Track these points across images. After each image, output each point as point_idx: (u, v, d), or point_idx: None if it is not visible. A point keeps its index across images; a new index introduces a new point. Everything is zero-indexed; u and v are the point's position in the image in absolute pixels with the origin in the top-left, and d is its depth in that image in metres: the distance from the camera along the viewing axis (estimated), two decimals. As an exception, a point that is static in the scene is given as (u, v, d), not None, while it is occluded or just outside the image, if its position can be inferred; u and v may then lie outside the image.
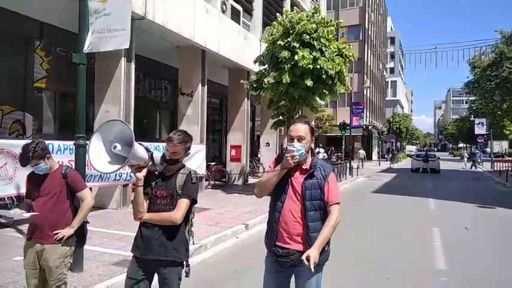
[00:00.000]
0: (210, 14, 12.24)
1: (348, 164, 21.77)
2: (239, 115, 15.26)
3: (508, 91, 26.41)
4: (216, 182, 14.35)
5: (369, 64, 46.32)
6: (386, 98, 67.86)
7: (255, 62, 13.01)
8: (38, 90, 9.38)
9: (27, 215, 3.09)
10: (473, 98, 42.22)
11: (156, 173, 2.79)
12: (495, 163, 30.78)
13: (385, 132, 50.48)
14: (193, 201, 2.76)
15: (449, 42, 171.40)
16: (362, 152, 34.05)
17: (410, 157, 41.86)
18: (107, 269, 4.94)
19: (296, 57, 10.82)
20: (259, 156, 19.11)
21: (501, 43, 26.06)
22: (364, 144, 41.04)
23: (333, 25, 11.92)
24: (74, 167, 4.78)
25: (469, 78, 31.63)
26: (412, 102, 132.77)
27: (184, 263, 2.80)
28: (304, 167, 2.66)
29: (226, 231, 7.33)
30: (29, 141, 3.24)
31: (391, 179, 21.89)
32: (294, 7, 17.14)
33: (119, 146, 2.59)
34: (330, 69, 11.14)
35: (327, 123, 35.33)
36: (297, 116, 13.76)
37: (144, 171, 2.69)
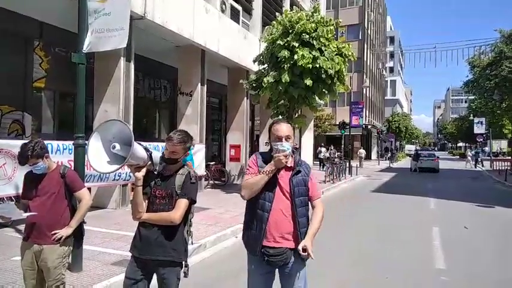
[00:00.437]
0: (210, 14, 12.23)
1: (348, 163, 21.77)
2: (238, 115, 15.25)
3: (507, 90, 26.42)
4: (216, 182, 14.34)
5: (368, 63, 46.31)
6: (386, 98, 67.87)
7: (254, 61, 13.01)
8: (37, 90, 9.36)
9: (26, 214, 3.08)
10: (473, 97, 42.29)
11: (155, 172, 2.79)
12: (494, 162, 30.80)
13: (385, 132, 50.49)
14: (192, 201, 2.76)
15: (448, 42, 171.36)
16: (363, 152, 34.05)
17: (410, 156, 41.88)
18: (106, 268, 4.94)
19: (295, 57, 10.82)
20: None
21: (500, 42, 26.07)
22: (363, 143, 41.04)
23: (333, 24, 11.92)
24: (73, 167, 4.79)
25: (469, 78, 31.69)
26: (411, 101, 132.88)
27: (183, 263, 2.80)
28: (288, 165, 2.69)
29: (226, 231, 7.33)
30: (28, 140, 3.23)
31: (391, 179, 21.89)
32: (294, 6, 17.17)
33: (118, 146, 2.58)
34: (329, 68, 11.14)
35: (326, 123, 35.36)
36: (297, 115, 13.80)
37: (143, 171, 2.68)
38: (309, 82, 11.05)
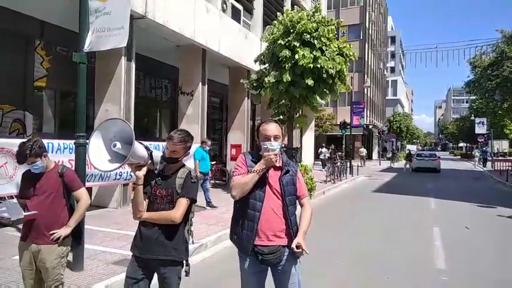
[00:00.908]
0: (211, 13, 12.23)
1: (348, 163, 21.76)
2: (239, 114, 15.25)
3: (508, 90, 26.38)
4: (217, 181, 14.33)
5: (369, 63, 46.28)
6: (387, 97, 67.83)
7: (255, 61, 13.00)
8: (38, 89, 9.37)
9: (26, 214, 3.06)
10: (474, 98, 42.22)
11: (156, 172, 2.79)
12: (495, 162, 30.76)
13: (386, 132, 50.44)
14: (193, 201, 2.76)
15: (450, 42, 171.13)
16: (364, 150, 34.01)
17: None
18: (107, 268, 4.94)
19: (296, 57, 10.81)
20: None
21: (502, 42, 26.02)
22: (364, 143, 41.02)
23: (334, 24, 11.91)
24: (74, 166, 4.79)
25: (470, 78, 31.64)
26: (412, 101, 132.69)
27: (184, 262, 2.80)
28: (277, 165, 2.72)
29: (227, 231, 7.25)
30: (26, 139, 3.22)
31: (392, 179, 21.88)
32: (295, 6, 17.15)
33: (118, 145, 2.58)
34: (330, 68, 11.13)
35: (327, 123, 35.32)
36: (297, 115, 13.79)
37: (144, 170, 2.68)
38: (310, 82, 11.04)
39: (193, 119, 12.18)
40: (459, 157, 65.99)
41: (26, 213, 3.06)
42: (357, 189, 16.63)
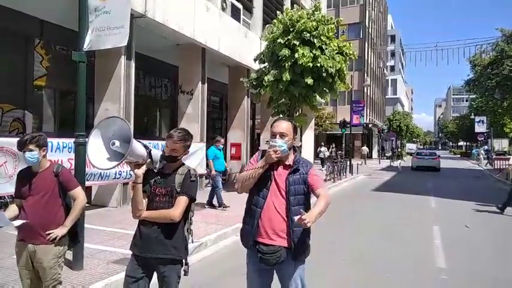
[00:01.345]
0: (210, 12, 12.21)
1: (348, 162, 21.76)
2: (239, 113, 15.24)
3: (508, 89, 26.37)
4: (216, 180, 14.31)
5: (369, 62, 46.27)
6: (387, 96, 67.82)
7: (255, 60, 12.99)
8: (38, 88, 9.36)
9: (17, 223, 3.01)
10: (474, 96, 42.20)
11: (155, 170, 2.78)
12: (495, 161, 30.74)
13: (385, 131, 50.44)
14: (192, 199, 2.76)
15: (450, 40, 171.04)
16: (366, 149, 34.01)
17: (411, 155, 41.85)
18: (106, 267, 4.94)
19: (296, 55, 10.79)
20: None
21: (502, 41, 26.01)
22: (364, 142, 41.03)
23: (333, 23, 11.89)
24: (74, 165, 4.79)
25: (470, 76, 31.64)
26: (412, 100, 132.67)
27: (184, 261, 2.80)
28: (287, 163, 2.70)
29: (227, 229, 7.33)
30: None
31: (391, 177, 21.88)
32: (294, 5, 17.13)
33: (117, 143, 2.58)
34: (330, 67, 11.11)
35: (327, 122, 35.31)
36: (297, 114, 13.78)
37: (143, 169, 2.68)
38: (309, 81, 11.03)
39: (193, 118, 12.18)
40: (459, 156, 65.99)
41: (16, 223, 3.01)
42: (357, 188, 16.64)
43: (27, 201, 3.08)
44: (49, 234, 3.04)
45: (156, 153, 2.79)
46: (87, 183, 5.63)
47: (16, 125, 8.78)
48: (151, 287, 2.84)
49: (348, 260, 5.84)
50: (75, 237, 3.33)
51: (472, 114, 47.71)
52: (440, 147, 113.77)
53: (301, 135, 21.15)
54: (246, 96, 15.11)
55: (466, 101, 80.00)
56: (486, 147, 41.71)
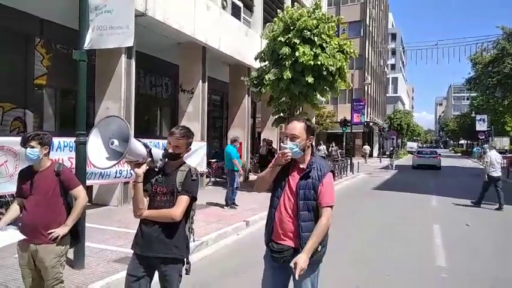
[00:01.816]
0: (211, 11, 12.20)
1: (349, 161, 21.75)
2: (240, 112, 15.25)
3: (509, 87, 26.35)
4: (217, 179, 14.34)
5: (369, 60, 46.20)
6: (388, 95, 67.73)
7: (255, 58, 12.98)
8: (38, 87, 9.37)
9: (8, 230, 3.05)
10: (475, 95, 42.15)
11: (156, 169, 2.78)
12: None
13: (386, 129, 50.41)
14: (193, 198, 2.76)
15: (450, 39, 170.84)
16: (368, 148, 33.95)
17: (411, 154, 41.83)
18: (107, 266, 4.95)
19: (297, 54, 10.78)
20: (260, 153, 19.08)
21: (503, 39, 25.98)
22: (365, 141, 41.01)
23: (334, 21, 11.87)
24: (74, 164, 4.79)
25: (471, 75, 31.65)
26: (413, 98, 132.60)
27: (185, 260, 2.80)
28: (301, 166, 2.67)
29: (227, 228, 7.33)
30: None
31: (392, 176, 21.88)
32: (295, 3, 17.11)
33: (116, 142, 2.58)
34: (330, 65, 11.10)
35: (327, 120, 35.30)
36: (298, 112, 13.77)
37: (144, 168, 2.67)
38: (310, 79, 11.02)
39: (194, 116, 12.18)
40: (459, 154, 65.91)
41: (8, 229, 3.05)
42: (358, 186, 16.63)
43: (29, 201, 3.08)
44: (51, 233, 3.04)
45: (157, 152, 2.78)
46: (88, 182, 5.63)
47: (17, 124, 8.79)
48: (153, 286, 2.84)
49: (349, 259, 5.84)
50: (76, 236, 3.33)
51: (473, 112, 47.69)
52: (443, 146, 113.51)
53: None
54: (246, 95, 15.11)
55: (467, 99, 79.82)
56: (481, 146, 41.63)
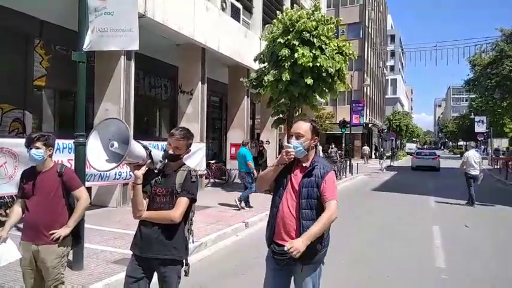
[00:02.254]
0: (210, 12, 12.21)
1: (348, 162, 21.76)
2: (239, 113, 15.25)
3: (508, 89, 26.40)
4: (216, 180, 14.34)
5: (369, 62, 46.25)
6: (387, 96, 67.81)
7: (255, 60, 13.00)
8: (37, 88, 9.36)
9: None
10: (474, 96, 42.24)
11: (156, 171, 2.78)
12: (495, 161, 30.77)
13: (385, 130, 50.45)
14: (193, 200, 2.76)
15: (449, 40, 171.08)
16: (367, 148, 33.89)
17: (410, 155, 41.85)
18: (106, 267, 4.94)
19: (296, 55, 10.80)
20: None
21: (501, 41, 26.03)
22: (364, 142, 41.02)
23: (333, 23, 11.90)
24: (73, 166, 4.79)
25: (469, 76, 31.70)
26: (412, 100, 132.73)
27: (184, 261, 2.80)
28: (304, 165, 2.68)
29: (226, 229, 7.33)
30: None
31: (391, 177, 21.88)
32: (294, 5, 17.14)
33: (116, 144, 2.58)
34: (329, 67, 11.12)
35: (326, 121, 35.31)
36: (297, 114, 13.79)
37: (143, 170, 2.68)
38: (309, 81, 11.03)
39: (193, 117, 12.18)
40: (459, 155, 65.95)
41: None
42: (357, 188, 16.64)
43: (31, 201, 3.09)
44: (53, 234, 3.06)
45: (157, 154, 2.78)
46: (87, 184, 5.62)
47: (16, 125, 8.78)
48: (152, 287, 2.84)
49: (348, 259, 5.84)
50: (78, 237, 3.35)
51: (472, 114, 47.75)
52: (442, 147, 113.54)
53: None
54: (245, 96, 15.12)
55: (466, 100, 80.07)
56: (496, 147, 41.61)
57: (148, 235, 2.71)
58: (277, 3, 17.60)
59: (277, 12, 12.70)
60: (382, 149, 36.75)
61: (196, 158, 10.85)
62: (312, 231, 2.49)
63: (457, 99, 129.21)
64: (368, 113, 44.18)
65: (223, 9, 13.49)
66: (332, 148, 27.48)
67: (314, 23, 11.20)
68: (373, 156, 44.54)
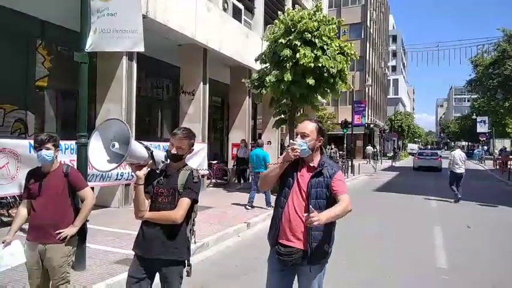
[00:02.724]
0: (212, 13, 12.22)
1: (350, 163, 21.74)
2: (241, 113, 15.26)
3: (510, 89, 26.35)
4: (218, 181, 14.35)
5: (370, 62, 46.21)
6: (388, 96, 67.70)
7: (256, 60, 12.99)
8: (39, 88, 9.38)
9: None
10: (476, 96, 42.19)
11: (158, 171, 2.79)
12: (497, 161, 30.69)
13: (387, 131, 50.39)
14: (195, 201, 2.76)
15: (451, 40, 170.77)
16: (370, 149, 33.71)
17: (412, 155, 41.80)
18: (109, 267, 4.95)
19: (297, 56, 10.79)
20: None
21: (503, 41, 25.96)
22: (366, 142, 40.97)
23: (335, 23, 11.88)
24: (76, 166, 4.79)
25: (471, 77, 31.61)
26: (414, 100, 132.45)
27: (186, 262, 2.80)
28: (311, 165, 2.68)
29: (228, 230, 7.34)
30: None
31: (393, 178, 21.86)
32: (296, 5, 17.12)
33: (117, 145, 2.59)
34: (331, 67, 11.11)
35: (328, 122, 35.25)
36: (299, 114, 13.78)
37: (145, 170, 2.68)
38: (311, 81, 11.02)
39: (195, 118, 12.19)
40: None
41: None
42: (358, 188, 16.61)
43: (37, 201, 3.12)
44: (59, 233, 3.09)
45: (159, 154, 2.78)
46: (88, 185, 5.63)
47: (18, 126, 8.80)
48: (154, 287, 2.84)
49: (349, 260, 5.84)
50: (83, 237, 3.37)
51: (474, 114, 47.62)
52: (446, 148, 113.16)
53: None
54: (247, 97, 15.12)
55: (468, 101, 79.82)
56: (503, 147, 41.40)
57: (150, 235, 2.71)
58: (279, 3, 17.60)
59: (279, 12, 12.68)
60: (375, 149, 36.43)
61: (198, 159, 10.85)
62: (333, 212, 2.47)
63: (459, 100, 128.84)
64: (370, 114, 44.15)
65: (224, 9, 13.50)
66: (332, 148, 27.50)
67: (316, 24, 11.19)
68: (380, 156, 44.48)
